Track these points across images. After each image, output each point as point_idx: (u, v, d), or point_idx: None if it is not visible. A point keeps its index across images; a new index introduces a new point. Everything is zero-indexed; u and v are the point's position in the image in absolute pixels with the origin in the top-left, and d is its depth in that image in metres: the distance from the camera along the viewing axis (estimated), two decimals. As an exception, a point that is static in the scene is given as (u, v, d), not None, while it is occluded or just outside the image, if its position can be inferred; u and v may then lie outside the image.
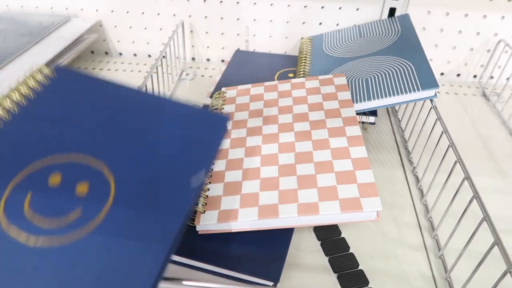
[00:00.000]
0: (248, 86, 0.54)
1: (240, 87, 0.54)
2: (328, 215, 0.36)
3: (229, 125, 0.47)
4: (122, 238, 0.28)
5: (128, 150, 0.33)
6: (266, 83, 0.54)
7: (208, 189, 0.40)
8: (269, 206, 0.37)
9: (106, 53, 0.76)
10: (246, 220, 0.36)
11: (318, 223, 0.39)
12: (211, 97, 0.56)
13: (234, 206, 0.38)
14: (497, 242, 0.30)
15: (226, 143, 0.45)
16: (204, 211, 0.38)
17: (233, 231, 0.37)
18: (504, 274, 0.29)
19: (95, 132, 0.34)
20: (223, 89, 0.55)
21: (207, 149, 0.36)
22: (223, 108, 0.51)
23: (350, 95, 0.49)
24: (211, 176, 0.41)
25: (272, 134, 0.45)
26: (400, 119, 0.59)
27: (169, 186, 0.31)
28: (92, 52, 0.76)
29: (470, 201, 0.35)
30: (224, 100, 0.52)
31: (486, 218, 0.32)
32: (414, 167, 0.50)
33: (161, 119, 0.36)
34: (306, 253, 0.40)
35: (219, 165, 0.42)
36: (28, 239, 0.27)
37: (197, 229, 0.37)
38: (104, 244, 0.27)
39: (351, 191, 0.37)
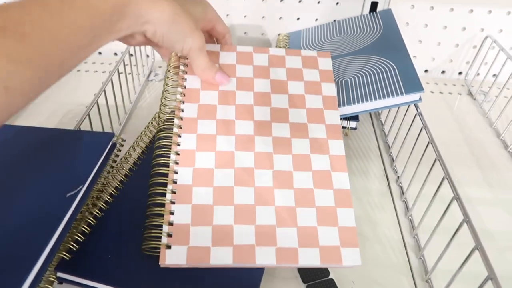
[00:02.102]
0: (217, 48, 0.44)
1: (209, 47, 0.44)
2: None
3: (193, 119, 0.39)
4: None
5: (7, 180, 0.33)
6: (239, 48, 0.45)
7: (173, 213, 0.34)
8: (245, 248, 0.33)
9: (68, 51, 0.71)
10: (219, 264, 0.32)
11: (294, 267, 0.36)
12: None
13: (205, 242, 0.33)
14: (491, 277, 0.27)
15: (191, 143, 0.37)
16: (170, 246, 0.32)
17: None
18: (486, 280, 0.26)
19: None
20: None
21: (84, 169, 0.34)
22: (184, 79, 0.41)
23: (335, 88, 0.43)
24: (175, 192, 0.35)
25: (245, 136, 0.38)
26: (383, 122, 0.55)
27: (40, 206, 0.31)
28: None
29: (460, 225, 0.32)
30: (186, 68, 0.41)
31: (478, 247, 0.29)
32: (398, 177, 0.47)
33: (41, 149, 0.36)
34: (281, 280, 0.36)
35: (184, 176, 0.35)
36: None
37: (161, 265, 0.32)
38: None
39: (332, 237, 0.34)
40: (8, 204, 0.31)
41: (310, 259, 0.33)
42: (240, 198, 0.35)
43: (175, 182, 0.35)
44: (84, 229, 0.35)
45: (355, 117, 0.50)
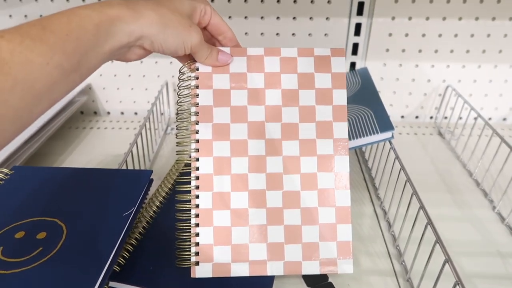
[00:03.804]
0: (228, 51, 0.41)
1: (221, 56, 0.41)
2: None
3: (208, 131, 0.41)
4: (68, 265, 0.36)
5: (74, 207, 0.42)
6: (250, 51, 0.42)
7: (198, 234, 0.40)
8: (259, 263, 0.40)
9: (95, 112, 0.82)
10: (237, 275, 0.40)
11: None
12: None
13: (226, 259, 0.40)
14: (448, 259, 0.36)
15: (209, 166, 0.40)
16: (198, 263, 0.40)
17: None
18: (454, 286, 0.34)
19: (49, 202, 0.43)
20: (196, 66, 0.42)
21: (133, 196, 0.43)
22: (197, 95, 0.41)
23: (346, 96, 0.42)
24: (198, 216, 0.40)
25: (258, 156, 0.41)
26: (367, 159, 0.66)
27: (104, 224, 0.40)
28: (82, 112, 0.82)
29: (425, 227, 0.41)
30: (197, 82, 0.41)
31: (438, 241, 0.38)
32: (381, 202, 0.56)
33: (96, 183, 0.46)
34: (289, 284, 0.44)
35: (205, 200, 0.40)
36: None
37: (193, 277, 0.40)
38: (53, 269, 0.35)
39: (330, 250, 0.41)
40: (82, 222, 0.40)
41: (312, 269, 0.41)
42: (254, 219, 0.41)
43: (197, 206, 0.40)
44: (128, 248, 0.43)
45: (342, 155, 0.61)
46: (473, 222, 0.53)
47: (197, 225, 0.41)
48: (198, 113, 0.41)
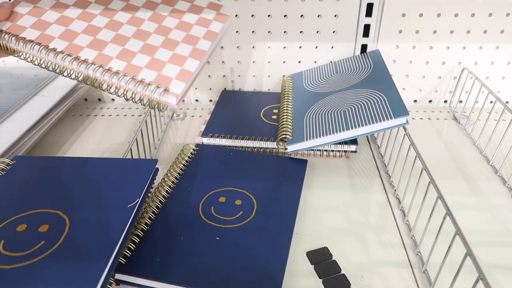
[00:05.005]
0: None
1: None
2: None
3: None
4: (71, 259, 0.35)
5: (77, 199, 0.42)
6: None
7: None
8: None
9: (99, 99, 0.80)
10: None
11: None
12: None
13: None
14: (469, 253, 0.34)
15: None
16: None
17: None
18: (477, 281, 0.32)
19: (51, 193, 0.42)
20: None
21: (138, 186, 0.43)
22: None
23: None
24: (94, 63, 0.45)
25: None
26: (379, 145, 0.63)
27: (108, 215, 0.39)
28: (86, 99, 0.80)
29: (444, 218, 0.39)
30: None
31: (458, 232, 0.36)
32: (395, 190, 0.54)
33: (99, 173, 0.45)
34: (301, 277, 0.42)
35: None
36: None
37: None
38: (56, 264, 0.34)
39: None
40: (85, 213, 0.39)
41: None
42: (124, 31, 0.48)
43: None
44: (134, 239, 0.42)
45: (354, 141, 0.58)
46: (490, 211, 0.51)
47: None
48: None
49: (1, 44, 0.46)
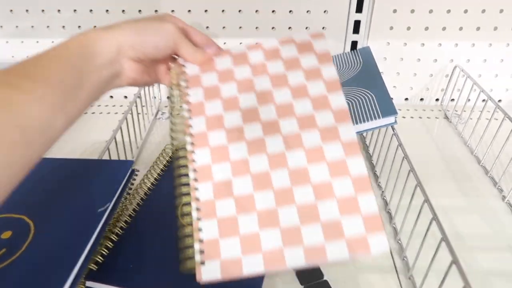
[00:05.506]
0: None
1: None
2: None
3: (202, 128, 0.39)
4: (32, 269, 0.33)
5: (45, 203, 0.40)
6: (233, 51, 0.43)
7: (201, 229, 0.35)
8: (274, 253, 0.33)
9: (83, 96, 0.78)
10: (252, 272, 0.33)
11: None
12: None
13: (235, 252, 0.34)
14: (455, 261, 0.32)
15: (206, 157, 0.38)
16: (204, 262, 0.33)
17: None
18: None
19: (17, 196, 0.36)
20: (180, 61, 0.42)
21: (110, 190, 0.41)
22: (187, 94, 0.41)
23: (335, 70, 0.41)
24: (199, 209, 0.35)
25: (256, 138, 0.38)
26: (368, 145, 0.62)
27: (77, 220, 0.37)
28: (69, 96, 0.78)
29: (430, 223, 0.37)
30: (187, 83, 0.42)
31: (444, 239, 0.34)
32: (382, 192, 0.52)
33: (70, 175, 0.43)
34: (282, 284, 0.41)
35: (205, 192, 0.36)
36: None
37: (199, 282, 0.33)
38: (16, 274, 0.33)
39: (356, 225, 0.33)
40: (52, 219, 0.37)
41: (339, 253, 0.32)
42: (260, 203, 0.35)
43: (197, 199, 0.36)
44: (107, 244, 0.40)
45: (341, 141, 0.57)
46: (481, 213, 0.49)
47: (199, 219, 0.35)
48: (190, 110, 0.40)
49: (174, 82, 0.41)
